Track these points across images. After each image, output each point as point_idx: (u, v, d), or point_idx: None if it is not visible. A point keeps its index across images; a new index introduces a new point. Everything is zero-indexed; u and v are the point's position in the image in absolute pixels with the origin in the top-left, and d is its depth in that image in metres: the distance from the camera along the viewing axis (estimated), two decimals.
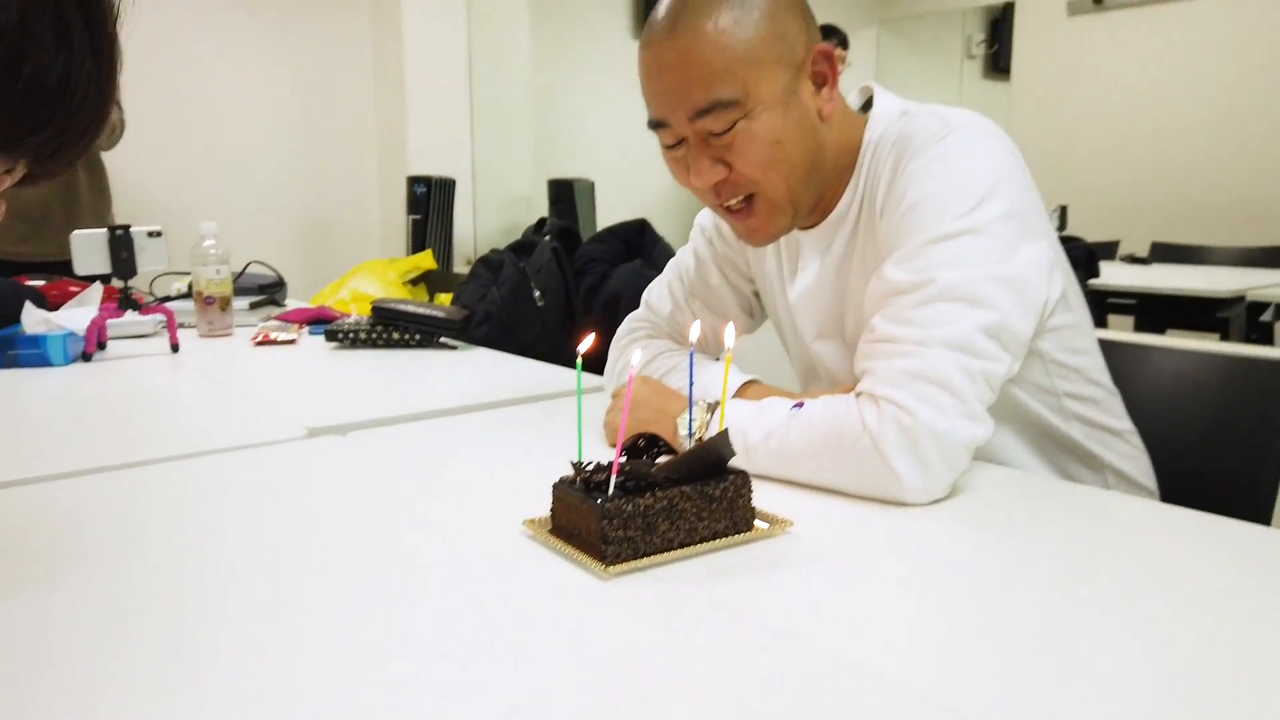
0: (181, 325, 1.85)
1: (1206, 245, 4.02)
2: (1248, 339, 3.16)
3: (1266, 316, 3.11)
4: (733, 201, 0.98)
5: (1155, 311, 3.41)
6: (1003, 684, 0.55)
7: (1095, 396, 1.07)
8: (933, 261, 0.89)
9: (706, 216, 1.23)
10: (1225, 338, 3.18)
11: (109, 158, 2.97)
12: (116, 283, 1.90)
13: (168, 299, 2.14)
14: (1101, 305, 3.38)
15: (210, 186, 3.79)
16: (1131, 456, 1.10)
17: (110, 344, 1.76)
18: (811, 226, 1.07)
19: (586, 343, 0.82)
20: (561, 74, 4.64)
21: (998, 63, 6.23)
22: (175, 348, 1.73)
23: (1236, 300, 3.10)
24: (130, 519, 0.86)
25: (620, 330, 1.25)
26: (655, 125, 0.98)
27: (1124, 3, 4.76)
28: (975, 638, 0.62)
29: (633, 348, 1.17)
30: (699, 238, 1.23)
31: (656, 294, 1.25)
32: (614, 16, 4.89)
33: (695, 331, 0.87)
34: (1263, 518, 1.06)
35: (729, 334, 0.84)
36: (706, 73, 0.91)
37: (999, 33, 6.19)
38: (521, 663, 0.58)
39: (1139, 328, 3.49)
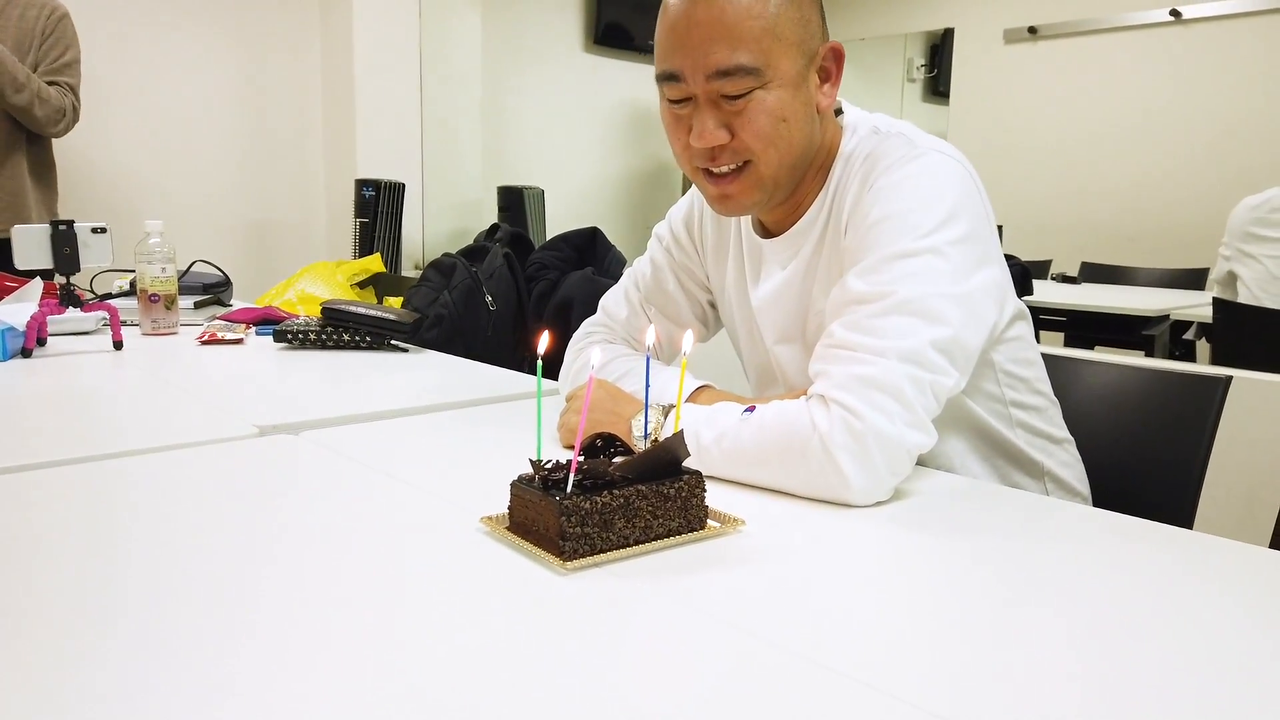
0: (125, 323, 1.82)
1: (1132, 266, 4.18)
2: (1171, 355, 3.30)
3: (1189, 335, 3.25)
4: (724, 168, 1.01)
5: (1084, 328, 3.53)
6: (944, 673, 0.58)
7: (1039, 406, 1.12)
8: (893, 276, 0.93)
9: (664, 227, 1.26)
10: (1150, 354, 3.31)
11: (57, 154, 2.91)
12: (58, 279, 1.86)
13: (109, 296, 2.10)
14: (1034, 321, 3.49)
15: (156, 185, 3.72)
16: (1069, 464, 1.15)
17: (51, 340, 1.73)
18: (776, 235, 1.10)
19: (544, 342, 0.84)
20: (513, 82, 4.65)
21: (937, 86, 6.39)
22: (119, 345, 1.70)
23: (1161, 319, 3.23)
24: (78, 515, 0.86)
25: (576, 334, 1.27)
26: (666, 78, 0.99)
27: (1057, 32, 4.94)
28: (918, 630, 0.65)
29: (589, 350, 1.19)
30: (656, 247, 1.26)
31: (613, 300, 1.28)
32: (565, 27, 4.92)
33: (650, 336, 0.90)
34: (1185, 521, 1.12)
35: (687, 339, 0.87)
36: (736, 36, 0.94)
37: (938, 58, 6.34)
38: (482, 654, 0.60)
39: (1069, 343, 3.61)
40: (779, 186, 1.03)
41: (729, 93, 0.96)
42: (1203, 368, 2.34)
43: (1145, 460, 1.19)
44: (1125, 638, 0.64)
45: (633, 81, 5.02)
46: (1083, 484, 1.16)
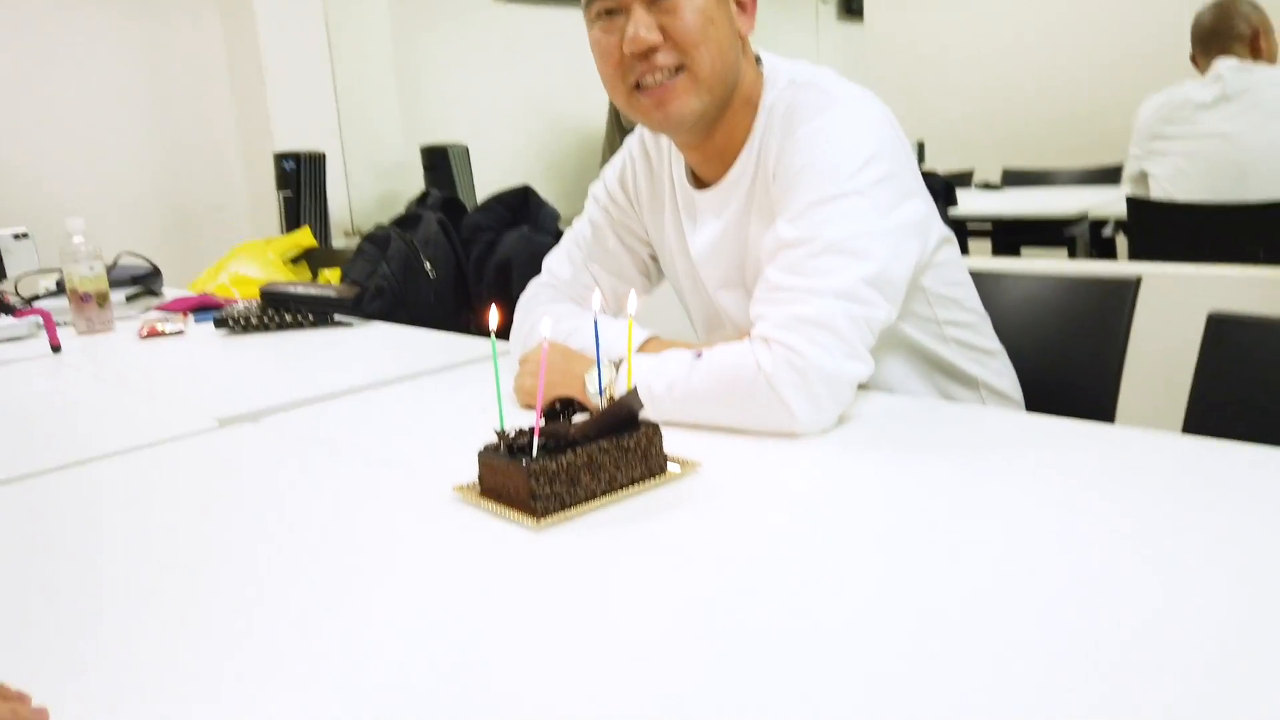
0: (59, 324, 1.80)
1: (1052, 169, 4.29)
2: (1091, 253, 3.42)
3: (1107, 231, 3.37)
4: (659, 74, 1.04)
5: (1009, 234, 3.64)
6: (902, 585, 0.64)
7: (970, 322, 1.19)
8: (820, 219, 0.98)
9: (599, 187, 1.29)
10: (1073, 254, 3.43)
11: None
12: None
13: (36, 298, 2.07)
14: (961, 231, 3.58)
15: (68, 180, 3.60)
16: (1001, 373, 1.22)
17: None
18: (707, 187, 1.14)
19: (494, 318, 0.87)
20: (424, 37, 4.55)
21: (850, 5, 6.41)
22: (56, 348, 1.68)
23: (1080, 219, 3.34)
24: (49, 527, 0.87)
25: (524, 296, 1.29)
26: None
27: None
28: (875, 545, 0.70)
29: (539, 312, 1.22)
30: (594, 207, 1.29)
31: (556, 260, 1.31)
32: None
33: (597, 300, 0.94)
34: (1108, 415, 1.20)
35: (632, 300, 0.92)
36: None
37: None
38: (470, 608, 0.64)
39: (996, 250, 3.71)
40: (714, 94, 1.06)
41: None
42: (1114, 267, 2.45)
43: (1069, 362, 1.27)
44: (1058, 527, 0.70)
45: (550, 31, 4.95)
46: (1015, 391, 1.24)
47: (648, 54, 1.03)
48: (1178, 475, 0.81)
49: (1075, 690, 0.50)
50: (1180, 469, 0.82)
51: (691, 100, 1.05)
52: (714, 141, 1.11)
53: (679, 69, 1.04)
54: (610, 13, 1.04)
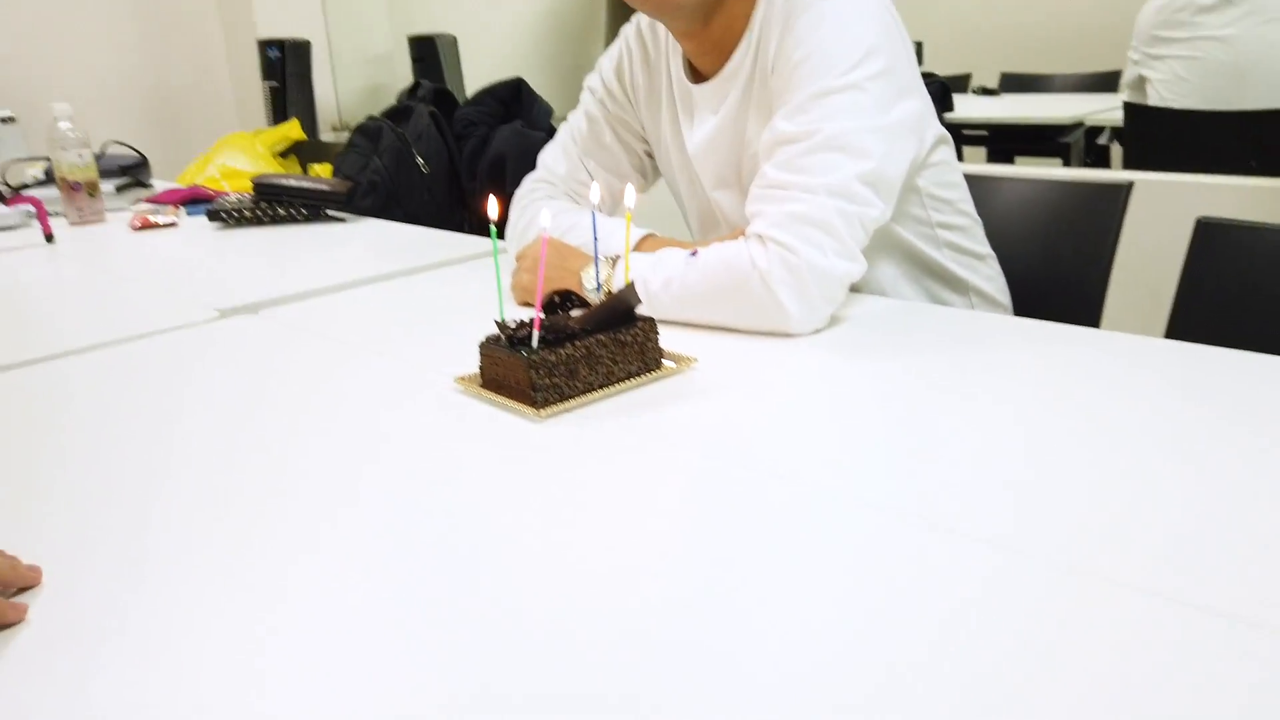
0: (49, 214, 1.79)
1: (1050, 74, 4.23)
2: (1085, 161, 3.41)
3: (1102, 139, 3.35)
4: None
5: (1005, 140, 3.61)
6: (891, 475, 0.67)
7: (963, 225, 1.20)
8: (817, 114, 0.98)
9: (595, 79, 1.27)
10: (1067, 162, 3.42)
11: None
12: None
13: (25, 187, 2.05)
14: (956, 138, 3.56)
15: (50, 66, 3.50)
16: (991, 278, 1.24)
17: None
18: (704, 81, 1.13)
19: (493, 208, 0.88)
20: None
21: None
22: (50, 238, 1.68)
23: (1076, 126, 3.32)
24: (57, 412, 0.89)
25: (519, 191, 1.29)
26: None
27: None
28: (865, 439, 0.73)
29: (535, 207, 1.23)
30: (590, 99, 1.28)
31: (551, 155, 1.30)
32: None
33: (595, 193, 0.94)
34: (1093, 320, 1.23)
35: (629, 194, 0.92)
36: None
37: None
38: (477, 495, 0.67)
39: (991, 157, 3.69)
40: None
41: None
42: (1106, 174, 2.45)
43: (1059, 266, 1.28)
44: (1043, 426, 0.73)
45: None
46: (1004, 295, 1.26)
47: None
48: (1159, 379, 0.83)
49: (1044, 578, 0.53)
50: (1161, 373, 0.85)
51: None
52: (711, 31, 1.10)
53: None
54: None
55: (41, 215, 1.68)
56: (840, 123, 0.97)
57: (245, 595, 0.55)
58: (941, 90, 3.29)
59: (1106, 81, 3.95)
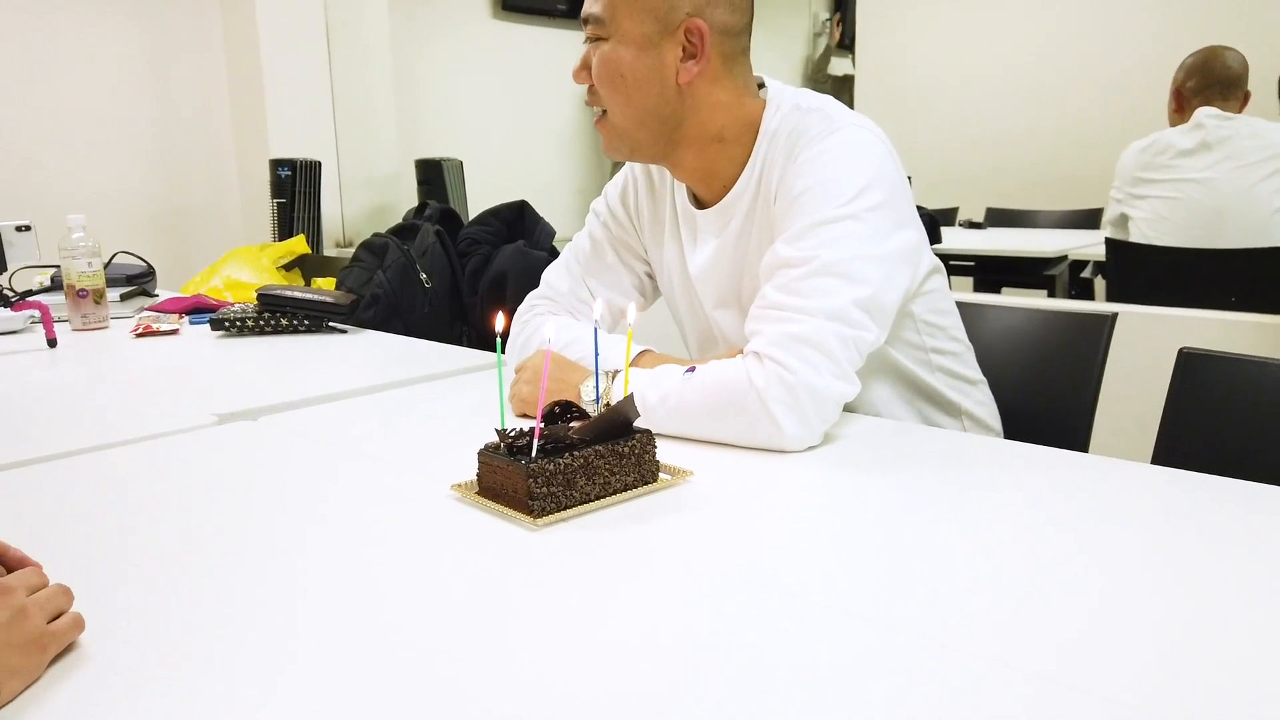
0: (54, 320, 1.81)
1: (1034, 210, 4.38)
2: (1070, 293, 3.50)
3: (1086, 273, 3.45)
4: (597, 110, 1.14)
5: (991, 271, 3.71)
6: (884, 589, 0.68)
7: (956, 350, 1.23)
8: (817, 241, 1.02)
9: (601, 203, 1.33)
10: (1052, 293, 3.51)
11: None
12: None
13: (31, 293, 2.08)
14: (945, 267, 3.66)
15: (66, 178, 3.60)
16: (983, 403, 1.26)
17: None
18: (709, 206, 1.19)
19: (500, 322, 0.91)
20: (423, 52, 4.60)
21: (843, 39, 6.52)
22: (53, 343, 1.70)
23: (1060, 259, 3.42)
24: (46, 517, 0.89)
25: (522, 307, 1.33)
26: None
27: None
28: (856, 553, 0.74)
29: (537, 322, 1.26)
30: (594, 222, 1.33)
31: (555, 273, 1.34)
32: None
33: (599, 309, 0.97)
34: (1082, 444, 1.24)
35: (631, 311, 0.96)
36: None
37: (844, 10, 6.47)
38: (469, 603, 0.67)
39: (977, 287, 3.78)
40: (637, 144, 1.14)
41: (589, 37, 1.11)
42: (1092, 306, 2.51)
43: (1047, 393, 1.31)
44: (1033, 544, 0.74)
45: (545, 48, 5.01)
46: (995, 420, 1.28)
47: (588, 91, 1.12)
48: (1145, 504, 0.85)
49: (1034, 691, 0.53)
50: (1147, 498, 0.86)
51: (615, 142, 1.15)
52: (696, 170, 1.16)
53: (605, 110, 1.13)
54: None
55: (46, 320, 1.70)
56: (839, 250, 1.01)
57: (237, 698, 0.55)
58: (931, 222, 3.40)
59: (1088, 218, 4.09)
